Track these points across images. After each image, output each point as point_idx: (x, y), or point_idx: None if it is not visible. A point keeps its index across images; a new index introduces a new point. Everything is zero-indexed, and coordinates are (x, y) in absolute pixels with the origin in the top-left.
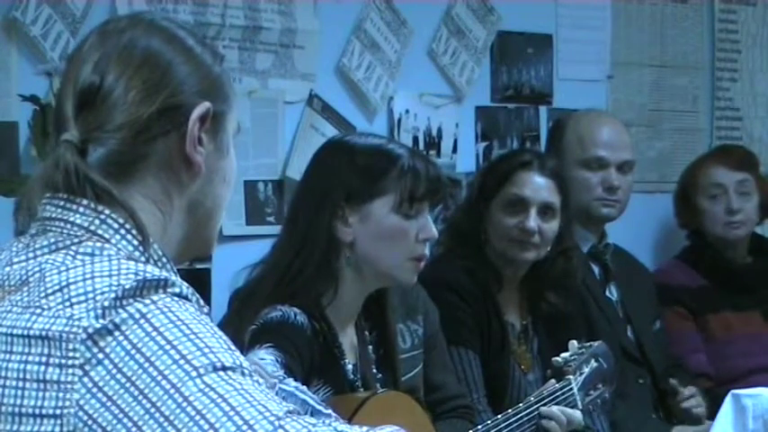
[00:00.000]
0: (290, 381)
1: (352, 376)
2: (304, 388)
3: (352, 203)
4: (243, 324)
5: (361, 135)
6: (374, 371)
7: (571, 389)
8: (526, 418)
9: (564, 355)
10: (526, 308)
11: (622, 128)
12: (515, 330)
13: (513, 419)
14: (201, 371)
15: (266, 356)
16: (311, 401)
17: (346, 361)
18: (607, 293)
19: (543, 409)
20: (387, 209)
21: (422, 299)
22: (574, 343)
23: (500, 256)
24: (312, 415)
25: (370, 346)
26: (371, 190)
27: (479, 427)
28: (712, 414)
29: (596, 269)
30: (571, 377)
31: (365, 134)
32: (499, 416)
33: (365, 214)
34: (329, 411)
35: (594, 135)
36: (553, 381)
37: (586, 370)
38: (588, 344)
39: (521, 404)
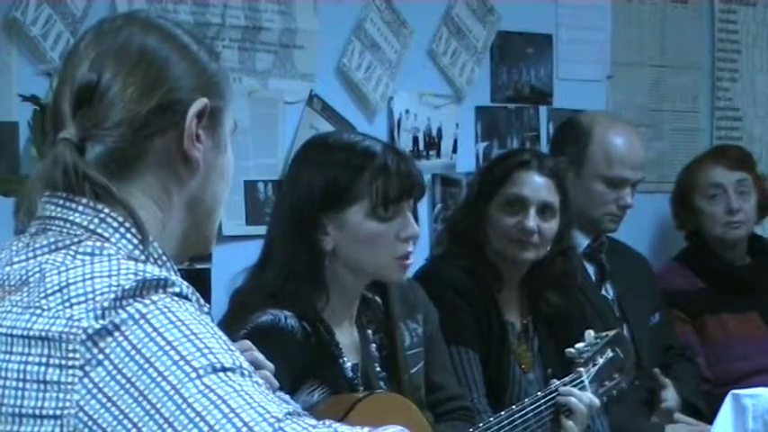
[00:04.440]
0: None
1: (351, 374)
2: (287, 397)
3: (328, 212)
4: (234, 329)
5: (335, 135)
6: (377, 369)
7: (582, 381)
8: (536, 411)
9: (578, 345)
10: (526, 307)
11: (642, 143)
12: (515, 330)
13: (521, 413)
14: (201, 372)
15: None
16: (292, 409)
17: (345, 360)
18: (603, 292)
19: (563, 388)
20: (361, 215)
21: (420, 298)
22: (590, 333)
23: (499, 256)
24: None
25: (373, 345)
26: (344, 197)
27: (481, 425)
28: (712, 416)
29: (591, 268)
30: (582, 369)
31: (340, 133)
32: (502, 412)
33: (341, 222)
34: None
35: (623, 154)
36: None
37: (600, 361)
38: (604, 334)
39: (526, 399)
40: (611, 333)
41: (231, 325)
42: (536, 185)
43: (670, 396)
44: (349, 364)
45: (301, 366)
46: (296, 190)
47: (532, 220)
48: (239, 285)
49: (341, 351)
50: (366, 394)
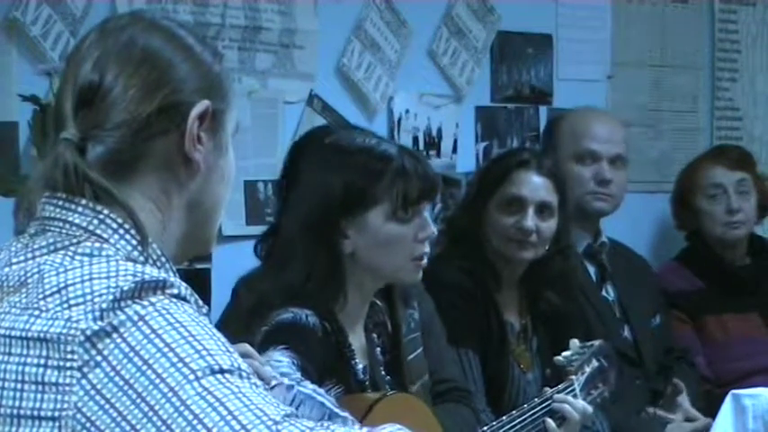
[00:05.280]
0: (308, 383)
1: (362, 376)
2: (321, 390)
3: (348, 216)
4: (254, 325)
5: (348, 137)
6: (382, 373)
7: (573, 389)
8: (532, 417)
9: (566, 354)
10: (525, 307)
11: (616, 123)
12: (514, 330)
13: (520, 419)
14: (199, 374)
15: (282, 358)
16: (328, 404)
17: (357, 361)
18: (603, 293)
19: (557, 396)
20: (382, 218)
21: (416, 287)
22: (575, 342)
23: (498, 256)
24: (329, 418)
25: (378, 348)
26: (364, 202)
27: (485, 428)
28: (712, 415)
29: (592, 269)
30: (573, 377)
31: (352, 135)
32: (504, 417)
33: (361, 226)
34: (345, 414)
35: (587, 129)
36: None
37: (588, 369)
38: (590, 343)
39: (525, 405)
40: (597, 343)
41: (248, 322)
42: (534, 185)
43: (686, 401)
44: (360, 366)
45: (321, 364)
46: (313, 193)
47: (530, 220)
48: (250, 277)
49: (353, 353)
50: (382, 395)
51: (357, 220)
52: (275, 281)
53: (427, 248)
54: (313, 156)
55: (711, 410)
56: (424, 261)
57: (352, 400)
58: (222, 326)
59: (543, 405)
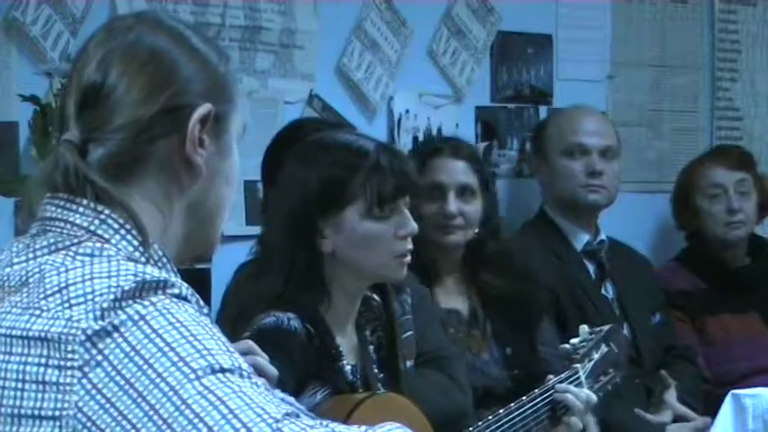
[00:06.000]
0: (277, 392)
1: (351, 377)
2: (291, 399)
3: (325, 215)
4: (237, 330)
5: (327, 135)
6: (375, 371)
7: (578, 377)
8: (533, 408)
9: (573, 341)
10: (474, 291)
11: (603, 117)
12: (462, 316)
13: (520, 410)
14: (200, 373)
15: None
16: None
17: (344, 362)
18: (603, 292)
19: (559, 386)
20: (358, 216)
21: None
22: (584, 327)
23: (430, 245)
24: None
25: (372, 346)
26: (339, 199)
27: (480, 423)
28: (711, 416)
29: (591, 267)
30: (578, 365)
31: (333, 132)
32: (501, 410)
33: (338, 224)
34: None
35: (574, 124)
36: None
37: (596, 356)
38: (599, 328)
39: (524, 397)
40: (606, 328)
41: (233, 329)
42: (451, 169)
43: (672, 398)
44: (348, 367)
45: (305, 368)
46: (290, 191)
47: (452, 204)
48: (234, 288)
49: (340, 354)
50: (368, 395)
51: (334, 218)
52: (257, 285)
53: (410, 245)
54: (291, 154)
55: (711, 410)
56: (408, 258)
57: (338, 401)
58: (218, 324)
59: (545, 396)
